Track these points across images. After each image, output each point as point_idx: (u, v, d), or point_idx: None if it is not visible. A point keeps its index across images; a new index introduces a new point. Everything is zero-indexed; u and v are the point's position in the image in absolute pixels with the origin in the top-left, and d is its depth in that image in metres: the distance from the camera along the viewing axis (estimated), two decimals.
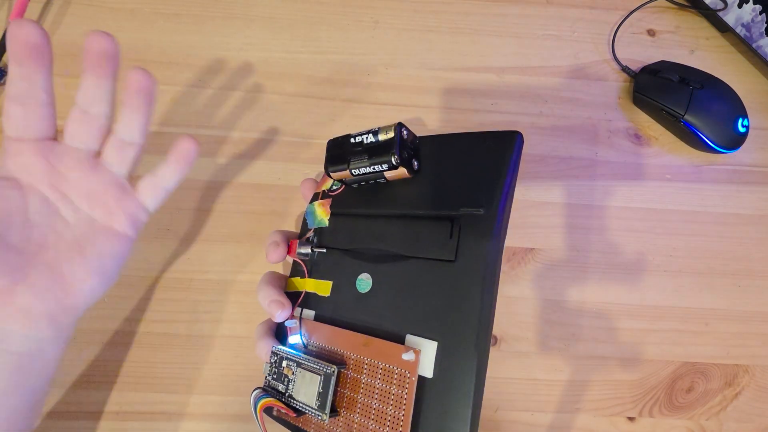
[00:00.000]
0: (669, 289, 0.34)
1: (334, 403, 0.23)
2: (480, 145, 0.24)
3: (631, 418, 0.32)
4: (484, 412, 0.31)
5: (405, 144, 0.25)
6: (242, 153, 0.36)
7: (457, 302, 0.22)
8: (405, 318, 0.23)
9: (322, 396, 0.23)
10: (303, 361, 0.24)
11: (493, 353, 0.32)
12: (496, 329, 0.33)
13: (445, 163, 0.25)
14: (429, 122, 0.37)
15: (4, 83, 0.36)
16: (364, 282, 0.25)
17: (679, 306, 0.34)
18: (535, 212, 0.35)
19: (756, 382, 0.33)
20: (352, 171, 0.25)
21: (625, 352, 0.33)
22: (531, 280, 0.34)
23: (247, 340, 0.32)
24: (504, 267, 0.34)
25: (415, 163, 0.25)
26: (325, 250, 0.27)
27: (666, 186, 0.36)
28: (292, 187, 0.35)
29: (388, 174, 0.25)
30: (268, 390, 0.26)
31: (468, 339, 0.21)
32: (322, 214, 0.28)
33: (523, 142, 0.24)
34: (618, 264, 0.34)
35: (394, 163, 0.24)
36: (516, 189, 0.37)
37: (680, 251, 0.35)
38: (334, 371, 0.23)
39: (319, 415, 0.23)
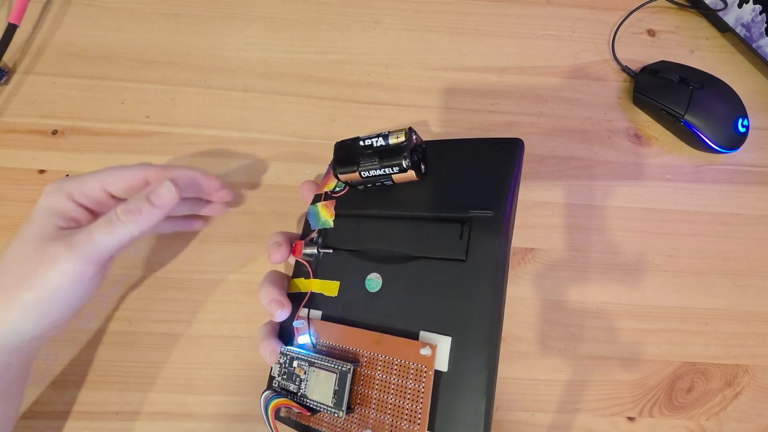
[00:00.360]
0: (669, 289, 0.34)
1: (350, 401, 0.24)
2: (484, 150, 0.26)
3: (631, 418, 0.32)
4: None
5: (414, 148, 0.25)
6: (242, 153, 0.36)
7: (468, 299, 0.23)
8: (417, 316, 0.24)
9: (338, 394, 0.23)
10: (316, 360, 0.25)
11: None
12: None
13: (451, 167, 0.26)
14: (429, 122, 0.37)
15: (4, 83, 0.36)
16: (374, 282, 0.26)
17: (679, 306, 0.34)
18: (535, 212, 0.35)
19: (756, 382, 0.33)
20: (362, 173, 0.26)
21: (625, 352, 0.33)
22: (531, 280, 0.34)
23: (247, 340, 0.32)
24: None
25: (423, 166, 0.26)
26: (331, 251, 0.27)
27: (666, 186, 0.36)
28: (292, 187, 0.35)
29: (396, 177, 0.26)
30: (278, 390, 0.26)
31: (481, 333, 0.22)
32: (326, 215, 0.28)
33: (524, 148, 0.25)
34: (618, 264, 0.34)
35: (405, 166, 0.25)
36: None
37: (680, 251, 0.35)
38: (349, 369, 0.23)
39: (336, 413, 0.23)
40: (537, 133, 0.37)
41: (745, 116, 0.36)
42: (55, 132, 0.35)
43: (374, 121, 0.37)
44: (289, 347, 0.26)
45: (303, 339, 0.26)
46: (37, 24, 0.38)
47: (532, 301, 0.33)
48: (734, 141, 0.36)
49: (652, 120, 0.38)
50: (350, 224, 0.28)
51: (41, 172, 0.34)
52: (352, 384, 0.24)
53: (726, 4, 0.39)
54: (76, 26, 0.38)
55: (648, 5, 0.41)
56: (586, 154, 0.37)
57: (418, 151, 0.26)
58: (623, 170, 0.37)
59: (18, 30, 0.36)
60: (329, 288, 0.27)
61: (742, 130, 0.36)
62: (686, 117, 0.35)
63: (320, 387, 0.24)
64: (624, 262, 0.35)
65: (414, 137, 0.25)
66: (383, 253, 0.26)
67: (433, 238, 0.25)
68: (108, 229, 0.24)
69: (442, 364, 0.22)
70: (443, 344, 0.22)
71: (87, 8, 0.38)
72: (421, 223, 0.25)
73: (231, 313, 0.32)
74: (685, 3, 0.41)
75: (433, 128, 0.37)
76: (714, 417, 0.32)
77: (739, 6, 0.39)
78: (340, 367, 0.24)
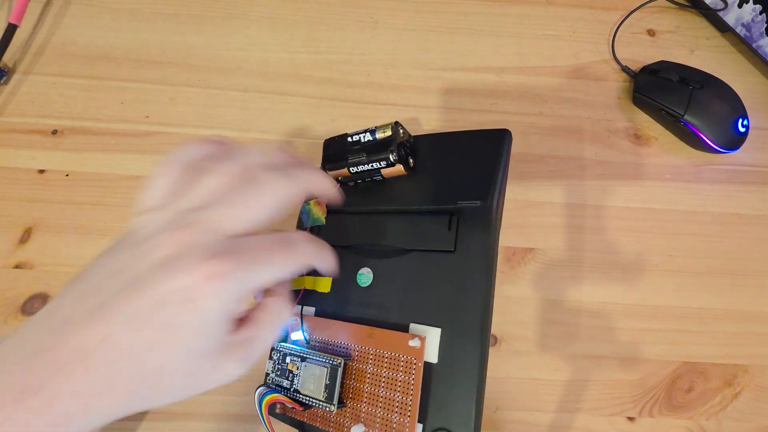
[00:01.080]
0: (668, 288, 0.34)
1: (341, 395, 0.24)
2: (472, 142, 0.26)
3: (630, 418, 0.32)
4: (485, 411, 0.31)
5: (402, 142, 0.26)
6: None
7: (458, 289, 0.23)
8: (407, 308, 0.24)
9: (329, 388, 0.23)
10: (308, 356, 0.25)
11: (493, 353, 0.32)
12: (496, 329, 0.33)
13: (440, 160, 0.26)
14: (428, 122, 0.37)
15: (4, 83, 0.36)
16: (365, 276, 0.26)
17: (678, 306, 0.34)
18: (534, 212, 0.35)
19: (755, 382, 0.33)
20: (350, 169, 0.26)
21: (624, 352, 0.33)
22: (531, 280, 0.34)
23: None
24: (504, 267, 0.34)
25: (411, 160, 0.26)
26: None
27: (665, 186, 0.36)
28: None
29: (385, 171, 0.26)
30: (272, 386, 0.26)
31: (470, 323, 0.22)
32: (318, 212, 0.28)
33: (511, 139, 0.25)
34: (617, 264, 0.34)
35: (392, 160, 0.25)
36: (516, 189, 0.37)
37: (679, 251, 0.35)
38: (340, 363, 0.23)
39: (327, 407, 0.23)
40: (536, 133, 0.37)
41: (745, 116, 0.36)
42: (55, 132, 0.35)
43: (374, 121, 0.36)
44: (282, 344, 0.26)
45: (296, 335, 0.27)
46: (37, 24, 0.38)
47: (531, 301, 0.33)
48: (734, 141, 0.36)
49: (651, 120, 0.38)
50: (341, 221, 0.28)
51: (41, 172, 0.34)
52: (343, 378, 0.24)
53: (726, 4, 0.39)
54: (76, 26, 0.38)
55: (648, 5, 0.41)
56: (585, 154, 0.37)
57: (405, 145, 0.26)
58: (623, 170, 0.37)
59: (18, 30, 0.36)
60: (322, 284, 0.27)
61: (742, 130, 0.36)
62: (686, 117, 0.35)
63: (312, 382, 0.24)
64: (623, 261, 0.35)
65: (401, 131, 0.26)
66: (374, 247, 0.26)
67: (422, 230, 0.25)
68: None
69: (432, 355, 0.22)
70: (432, 336, 0.22)
71: (87, 8, 0.38)
72: (410, 216, 0.25)
73: None
74: (685, 3, 0.41)
75: (433, 128, 0.37)
76: (713, 417, 0.32)
77: (739, 6, 0.39)
78: (331, 362, 0.24)
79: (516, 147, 0.36)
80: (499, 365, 0.32)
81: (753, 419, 0.32)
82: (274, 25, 0.39)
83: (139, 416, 0.30)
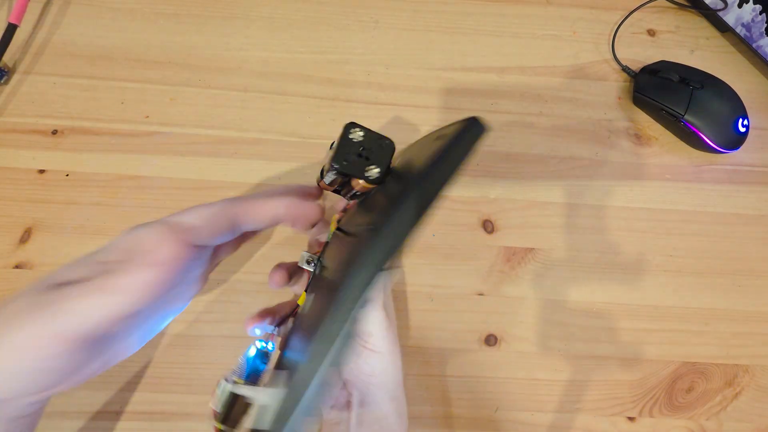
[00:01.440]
0: (669, 288, 0.34)
1: (226, 415, 0.22)
2: (438, 142, 0.18)
3: (631, 418, 0.32)
4: (485, 411, 0.31)
5: (357, 146, 0.20)
6: (242, 153, 0.36)
7: (307, 352, 0.14)
8: (293, 350, 0.18)
9: (221, 402, 0.22)
10: (241, 367, 0.23)
11: (493, 353, 0.32)
12: (496, 329, 0.33)
13: (403, 171, 0.19)
14: (429, 122, 0.37)
15: (4, 83, 0.36)
16: (308, 301, 0.22)
17: (679, 306, 0.34)
18: (535, 212, 0.35)
19: (756, 382, 0.33)
20: (325, 180, 0.22)
21: (625, 352, 0.33)
22: (531, 280, 0.34)
23: (248, 340, 0.32)
24: (504, 267, 0.34)
25: (376, 170, 0.20)
26: (313, 264, 0.26)
27: (666, 186, 0.36)
28: None
29: (355, 184, 0.21)
30: (226, 378, 0.25)
31: (293, 402, 0.14)
32: (331, 227, 0.27)
33: (481, 130, 0.16)
34: (618, 264, 0.34)
35: (335, 170, 0.20)
36: (516, 189, 0.36)
37: (680, 251, 0.35)
38: (233, 381, 0.22)
39: (212, 421, 0.22)
40: (537, 133, 0.37)
41: (745, 116, 0.36)
42: (55, 132, 0.35)
43: (374, 121, 0.37)
44: (251, 346, 0.25)
45: (251, 351, 0.25)
46: (37, 24, 0.38)
47: (532, 301, 0.33)
48: (734, 141, 0.36)
49: (652, 120, 0.38)
50: (335, 238, 0.25)
51: (41, 172, 0.34)
52: (236, 400, 0.22)
53: (726, 4, 0.39)
54: (76, 26, 0.38)
55: (648, 5, 0.41)
56: (586, 154, 0.37)
57: (367, 150, 0.20)
58: (623, 170, 0.37)
59: (18, 30, 0.36)
60: (303, 301, 0.25)
61: (742, 130, 0.36)
62: (686, 117, 0.35)
63: (220, 391, 0.22)
64: (624, 262, 0.35)
65: (357, 136, 0.20)
66: (321, 272, 0.23)
67: (331, 259, 0.20)
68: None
69: (265, 420, 0.14)
70: (270, 395, 0.15)
71: (87, 8, 0.38)
72: (345, 241, 0.20)
73: (231, 313, 0.32)
74: (685, 3, 0.41)
75: (433, 128, 0.37)
76: (714, 417, 0.32)
77: (739, 6, 0.39)
78: (230, 377, 0.22)
79: (516, 147, 0.37)
80: (499, 365, 0.32)
81: (754, 419, 0.32)
82: (274, 25, 0.39)
83: (138, 416, 0.30)
